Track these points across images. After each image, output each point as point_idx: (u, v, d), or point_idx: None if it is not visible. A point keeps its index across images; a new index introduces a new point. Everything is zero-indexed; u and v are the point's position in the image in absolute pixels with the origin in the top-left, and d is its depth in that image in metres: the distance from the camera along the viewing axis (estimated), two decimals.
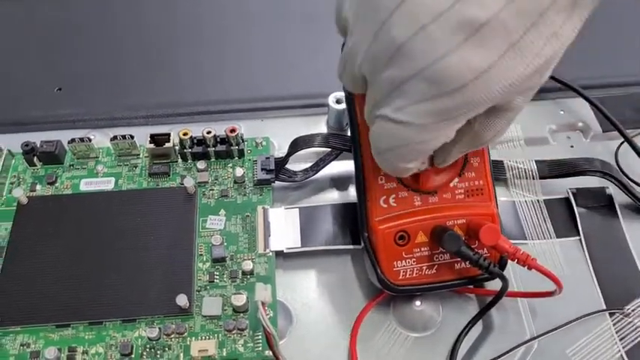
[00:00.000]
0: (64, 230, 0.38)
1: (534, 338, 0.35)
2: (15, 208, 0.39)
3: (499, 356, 0.34)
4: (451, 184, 0.34)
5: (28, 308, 0.35)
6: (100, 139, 0.44)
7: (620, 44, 0.51)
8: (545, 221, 0.40)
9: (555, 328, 0.35)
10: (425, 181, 0.33)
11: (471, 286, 0.36)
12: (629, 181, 0.41)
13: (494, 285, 0.35)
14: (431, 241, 0.34)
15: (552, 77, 0.46)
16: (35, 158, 0.41)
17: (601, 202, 0.40)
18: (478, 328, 0.36)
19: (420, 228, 0.33)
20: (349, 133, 0.43)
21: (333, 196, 0.41)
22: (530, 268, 0.32)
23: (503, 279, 0.32)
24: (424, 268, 0.34)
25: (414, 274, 0.34)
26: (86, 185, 0.41)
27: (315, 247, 0.38)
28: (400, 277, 0.34)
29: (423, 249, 0.34)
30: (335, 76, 0.40)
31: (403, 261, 0.34)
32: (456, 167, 0.34)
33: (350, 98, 0.33)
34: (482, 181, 0.34)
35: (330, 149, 0.40)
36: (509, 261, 0.34)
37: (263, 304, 0.31)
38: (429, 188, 0.33)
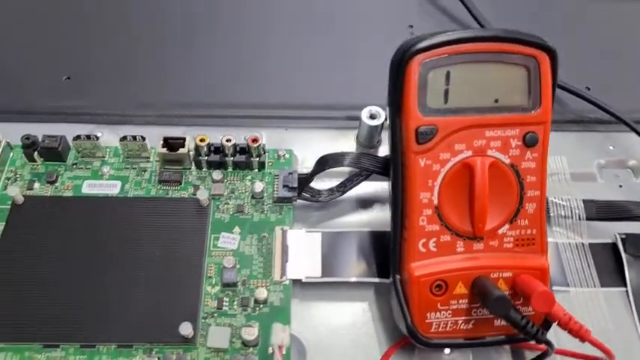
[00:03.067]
0: (62, 237, 0.34)
1: None
2: (9, 206, 0.35)
3: None
4: (499, 231, 0.30)
5: (14, 323, 0.32)
6: (108, 137, 0.40)
7: None
8: (589, 267, 0.36)
9: None
10: (476, 224, 0.29)
11: None
12: None
13: None
14: (471, 294, 0.30)
15: (602, 108, 0.42)
16: (36, 153, 0.37)
17: None
18: None
19: (460, 278, 0.30)
20: (380, 153, 0.40)
21: (358, 221, 0.37)
22: (583, 340, 0.29)
23: (550, 346, 0.29)
24: (460, 322, 0.31)
25: (448, 328, 0.30)
26: (89, 188, 0.37)
27: (337, 278, 0.34)
28: (432, 329, 0.30)
29: (460, 301, 0.30)
30: (370, 88, 0.37)
31: (438, 313, 0.30)
32: (508, 212, 0.30)
33: (396, 121, 0.29)
34: (536, 230, 0.31)
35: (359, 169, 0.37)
36: None
37: (280, 347, 0.27)
38: (478, 233, 0.30)
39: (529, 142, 0.29)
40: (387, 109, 0.31)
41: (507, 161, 0.30)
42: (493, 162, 0.29)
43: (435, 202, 0.30)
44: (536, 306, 0.28)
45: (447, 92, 0.29)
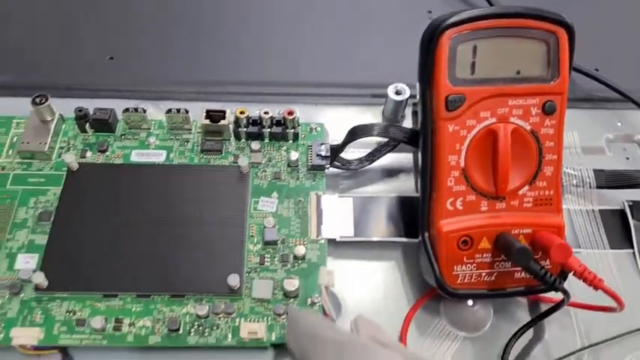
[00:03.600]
0: (115, 200, 0.38)
1: (585, 348, 0.35)
2: (64, 173, 0.39)
3: None
4: (520, 192, 0.33)
5: (76, 275, 0.35)
6: (151, 111, 0.43)
7: None
8: (599, 231, 0.39)
9: (605, 340, 0.35)
10: (499, 185, 0.32)
11: None
12: None
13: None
14: (493, 248, 0.33)
15: (611, 87, 0.45)
16: (87, 125, 0.40)
17: None
18: (528, 332, 0.35)
19: (484, 234, 0.33)
20: (404, 124, 0.43)
21: (385, 188, 0.40)
22: (596, 288, 0.32)
23: (567, 294, 0.32)
24: (483, 274, 0.34)
25: (473, 280, 0.34)
26: (137, 156, 0.40)
27: (368, 237, 0.37)
28: (458, 281, 0.34)
29: (484, 255, 0.33)
30: (396, 66, 0.40)
31: (463, 266, 0.33)
32: (528, 174, 0.33)
33: (426, 92, 0.33)
34: (553, 191, 0.34)
35: (386, 139, 0.40)
36: None
37: (326, 288, 0.30)
38: (501, 193, 0.33)
39: (548, 110, 0.32)
40: (418, 82, 0.34)
41: (528, 128, 0.33)
42: (515, 128, 0.32)
43: (462, 164, 0.33)
44: (555, 256, 0.31)
45: (473, 64, 0.32)
